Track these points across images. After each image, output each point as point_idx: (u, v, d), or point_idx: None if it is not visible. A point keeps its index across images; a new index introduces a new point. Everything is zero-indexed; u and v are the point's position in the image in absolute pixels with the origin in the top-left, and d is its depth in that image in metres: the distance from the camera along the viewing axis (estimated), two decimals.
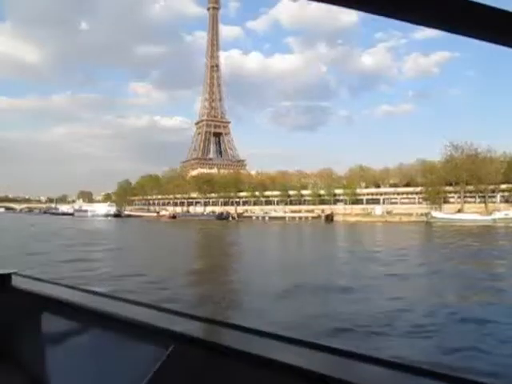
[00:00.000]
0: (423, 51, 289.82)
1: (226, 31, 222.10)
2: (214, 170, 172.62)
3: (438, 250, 29.85)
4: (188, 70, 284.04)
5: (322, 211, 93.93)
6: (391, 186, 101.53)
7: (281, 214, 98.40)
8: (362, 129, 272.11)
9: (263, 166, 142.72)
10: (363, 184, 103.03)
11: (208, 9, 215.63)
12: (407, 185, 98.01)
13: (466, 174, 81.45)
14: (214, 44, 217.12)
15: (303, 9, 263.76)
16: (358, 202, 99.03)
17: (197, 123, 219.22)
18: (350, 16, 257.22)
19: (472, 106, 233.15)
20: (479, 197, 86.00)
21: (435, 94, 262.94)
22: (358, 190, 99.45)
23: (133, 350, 1.32)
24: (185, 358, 1.15)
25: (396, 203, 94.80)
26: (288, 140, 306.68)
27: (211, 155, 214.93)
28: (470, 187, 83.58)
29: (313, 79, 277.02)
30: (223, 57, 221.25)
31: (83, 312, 1.53)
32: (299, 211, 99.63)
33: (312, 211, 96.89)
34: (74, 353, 1.53)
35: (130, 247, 32.27)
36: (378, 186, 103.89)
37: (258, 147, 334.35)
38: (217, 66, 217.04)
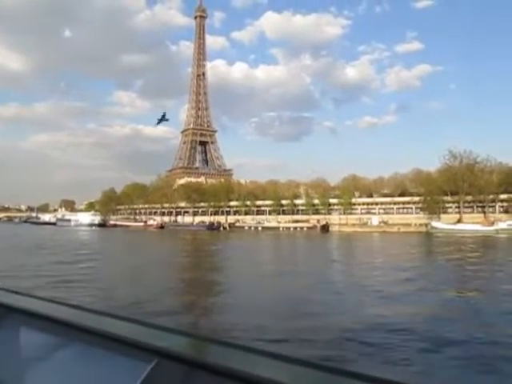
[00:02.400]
0: (405, 64, 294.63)
1: (211, 41, 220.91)
2: (202, 179, 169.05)
3: (456, 271, 24.92)
4: (173, 80, 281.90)
5: (318, 221, 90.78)
6: (385, 195, 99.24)
7: (274, 224, 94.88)
8: (345, 139, 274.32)
9: (248, 176, 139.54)
10: (357, 193, 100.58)
11: (195, 17, 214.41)
12: (401, 194, 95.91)
13: (466, 184, 79.40)
14: (201, 53, 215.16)
15: (288, 20, 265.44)
16: (352, 211, 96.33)
17: (183, 132, 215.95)
18: (334, 28, 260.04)
19: (454, 118, 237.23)
20: (477, 207, 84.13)
21: (417, 106, 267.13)
22: (353, 200, 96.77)
23: (115, 366, 1.28)
24: (168, 374, 1.12)
25: (392, 213, 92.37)
26: (273, 151, 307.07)
27: (197, 164, 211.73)
28: (469, 197, 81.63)
29: (297, 90, 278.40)
30: (208, 67, 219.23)
31: (63, 326, 1.47)
32: (293, 221, 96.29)
33: (307, 221, 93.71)
34: (54, 369, 1.45)
35: (122, 265, 28.60)
36: (371, 196, 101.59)
37: (243, 157, 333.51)
38: (203, 74, 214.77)
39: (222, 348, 1.20)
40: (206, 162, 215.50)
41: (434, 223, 76.74)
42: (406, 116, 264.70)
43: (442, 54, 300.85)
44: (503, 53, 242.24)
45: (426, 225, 77.68)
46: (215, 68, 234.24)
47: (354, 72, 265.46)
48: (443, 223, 75.96)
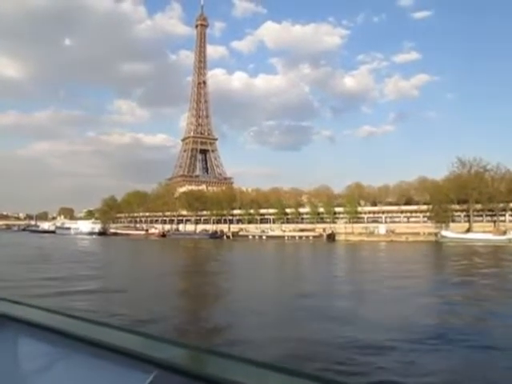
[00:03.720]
0: (404, 74, 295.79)
1: (211, 51, 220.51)
2: (203, 187, 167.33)
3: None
4: (172, 89, 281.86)
5: (324, 230, 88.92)
6: (389, 203, 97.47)
7: (279, 232, 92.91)
8: (344, 148, 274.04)
9: (246, 185, 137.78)
10: (362, 202, 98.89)
11: (196, 26, 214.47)
12: (407, 203, 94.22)
13: (475, 192, 77.73)
14: (202, 61, 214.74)
15: (287, 30, 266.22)
16: (358, 220, 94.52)
17: (183, 140, 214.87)
18: (333, 38, 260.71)
19: (451, 127, 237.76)
20: (487, 215, 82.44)
21: (415, 116, 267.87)
22: (359, 208, 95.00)
23: (114, 377, 1.28)
24: None
25: (399, 222, 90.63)
26: (272, 159, 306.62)
27: (197, 172, 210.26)
28: (478, 206, 79.94)
29: (296, 99, 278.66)
30: (208, 75, 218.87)
31: (62, 337, 1.45)
32: (299, 230, 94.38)
33: (312, 230, 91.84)
34: (52, 380, 1.44)
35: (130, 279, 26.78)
36: (375, 204, 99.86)
37: (242, 166, 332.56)
38: (204, 82, 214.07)
39: (222, 360, 1.20)
40: (206, 170, 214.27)
41: (444, 232, 75.00)
42: (404, 125, 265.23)
43: (439, 64, 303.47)
44: (500, 63, 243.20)
45: (436, 234, 75.87)
46: (215, 77, 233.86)
47: (352, 81, 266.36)
48: (453, 232, 74.19)
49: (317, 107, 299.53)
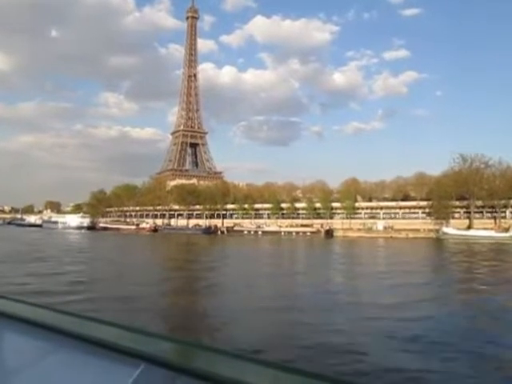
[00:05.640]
0: (393, 71, 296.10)
1: (200, 45, 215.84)
2: (194, 181, 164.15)
3: None
4: (161, 82, 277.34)
5: (321, 226, 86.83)
6: (385, 199, 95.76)
7: (275, 228, 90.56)
8: (332, 144, 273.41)
9: (236, 180, 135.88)
10: (359, 197, 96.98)
11: (187, 18, 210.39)
12: (404, 199, 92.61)
13: (476, 188, 76.26)
14: (192, 54, 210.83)
15: (277, 25, 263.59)
16: (355, 216, 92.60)
17: (173, 133, 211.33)
18: (323, 34, 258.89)
19: (439, 124, 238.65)
20: (487, 212, 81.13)
21: (403, 113, 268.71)
22: (357, 204, 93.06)
23: (101, 371, 1.28)
24: (154, 379, 1.13)
25: (397, 218, 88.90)
26: (261, 154, 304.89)
27: (187, 166, 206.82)
28: (479, 202, 78.57)
29: (285, 95, 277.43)
30: (198, 69, 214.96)
31: (48, 331, 1.44)
32: (295, 226, 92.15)
33: (309, 225, 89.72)
34: (39, 375, 1.42)
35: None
36: (370, 200, 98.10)
37: (230, 161, 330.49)
38: (195, 75, 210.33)
39: (209, 354, 1.20)
40: (196, 164, 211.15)
41: (445, 229, 73.48)
42: (392, 122, 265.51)
43: (428, 61, 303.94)
44: (489, 61, 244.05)
45: (437, 230, 74.32)
46: (204, 71, 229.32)
47: (341, 78, 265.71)
48: (454, 229, 72.66)
49: (305, 103, 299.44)
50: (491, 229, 71.13)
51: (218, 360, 1.15)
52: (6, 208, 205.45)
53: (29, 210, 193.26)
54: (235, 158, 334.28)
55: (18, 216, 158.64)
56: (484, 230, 69.41)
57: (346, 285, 23.08)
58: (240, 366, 1.10)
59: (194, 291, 20.17)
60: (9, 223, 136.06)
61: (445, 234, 71.30)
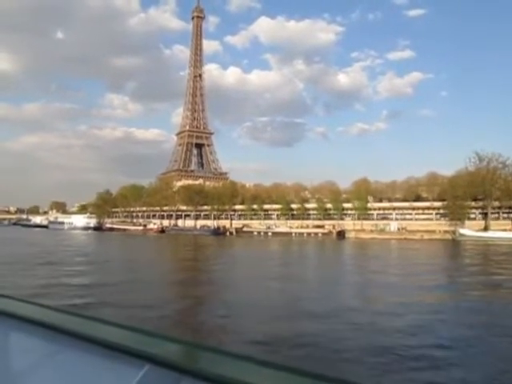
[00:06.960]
0: (398, 72, 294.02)
1: (205, 45, 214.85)
2: (200, 182, 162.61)
3: None
4: (165, 83, 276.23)
5: (333, 227, 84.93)
6: (397, 200, 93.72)
7: (285, 229, 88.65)
8: (337, 145, 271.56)
9: (242, 180, 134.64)
10: (370, 198, 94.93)
11: (192, 18, 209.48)
12: (416, 199, 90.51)
13: (493, 189, 74.10)
14: (198, 54, 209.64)
15: (281, 26, 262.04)
16: (367, 217, 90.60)
17: (178, 134, 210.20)
18: (327, 34, 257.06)
19: (444, 124, 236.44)
20: (503, 213, 78.96)
21: (409, 114, 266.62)
22: (369, 205, 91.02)
23: (105, 372, 1.28)
24: (159, 380, 1.12)
25: (410, 219, 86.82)
26: (265, 155, 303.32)
27: (193, 167, 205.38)
28: (496, 203, 76.42)
29: (290, 96, 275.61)
30: (203, 69, 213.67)
31: (54, 332, 1.45)
32: (305, 226, 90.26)
33: (321, 227, 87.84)
34: (43, 375, 1.43)
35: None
36: (380, 201, 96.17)
37: (235, 161, 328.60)
38: (200, 75, 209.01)
39: (213, 355, 1.19)
40: (201, 164, 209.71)
41: (462, 230, 71.35)
42: (397, 123, 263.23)
43: (433, 62, 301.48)
44: (494, 61, 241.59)
45: (454, 232, 72.23)
46: (208, 72, 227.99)
47: (346, 78, 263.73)
48: (472, 230, 70.55)
49: (310, 104, 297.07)
50: (510, 230, 69.06)
51: (223, 361, 1.14)
52: (12, 208, 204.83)
53: (34, 210, 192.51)
54: (239, 159, 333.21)
55: (24, 216, 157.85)
56: (502, 232, 67.35)
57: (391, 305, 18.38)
58: (246, 368, 1.09)
59: (216, 303, 18.46)
60: (14, 224, 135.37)
61: (462, 235, 69.24)
